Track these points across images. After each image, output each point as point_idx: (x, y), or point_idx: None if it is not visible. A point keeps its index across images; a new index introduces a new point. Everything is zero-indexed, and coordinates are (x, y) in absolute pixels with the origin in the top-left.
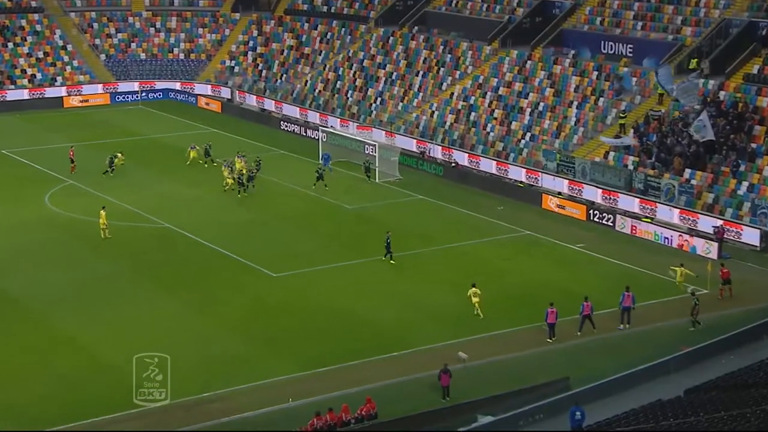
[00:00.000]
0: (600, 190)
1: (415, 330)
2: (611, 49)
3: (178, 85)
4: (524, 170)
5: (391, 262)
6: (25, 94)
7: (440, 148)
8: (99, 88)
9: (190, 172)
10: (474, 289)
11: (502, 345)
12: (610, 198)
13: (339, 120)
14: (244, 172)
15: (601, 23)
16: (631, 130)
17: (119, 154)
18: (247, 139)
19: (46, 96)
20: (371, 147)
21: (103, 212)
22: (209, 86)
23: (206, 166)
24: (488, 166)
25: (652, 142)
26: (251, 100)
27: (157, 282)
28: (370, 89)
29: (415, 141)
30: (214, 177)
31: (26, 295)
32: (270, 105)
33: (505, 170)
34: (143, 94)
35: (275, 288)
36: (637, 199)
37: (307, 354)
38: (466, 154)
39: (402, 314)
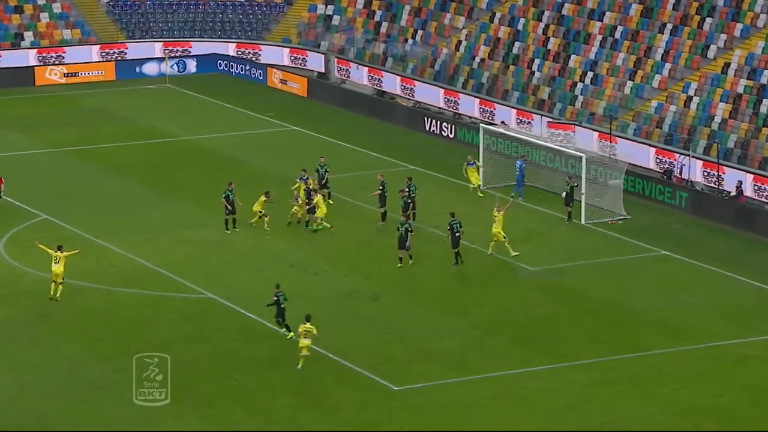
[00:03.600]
0: None
1: None
2: None
3: (232, 49)
4: None
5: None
6: None
7: (703, 163)
8: (96, 52)
9: (250, 206)
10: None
11: None
12: None
13: (516, 111)
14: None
15: None
16: None
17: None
18: (349, 144)
19: (4, 65)
20: (574, 161)
21: (60, 254)
22: (287, 50)
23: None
24: None
25: None
26: (361, 76)
27: (190, 395)
28: (573, 57)
29: (653, 151)
30: (286, 215)
31: None
32: (394, 84)
33: None
34: (172, 63)
35: (396, 410)
36: None
37: None
38: (752, 176)
39: None
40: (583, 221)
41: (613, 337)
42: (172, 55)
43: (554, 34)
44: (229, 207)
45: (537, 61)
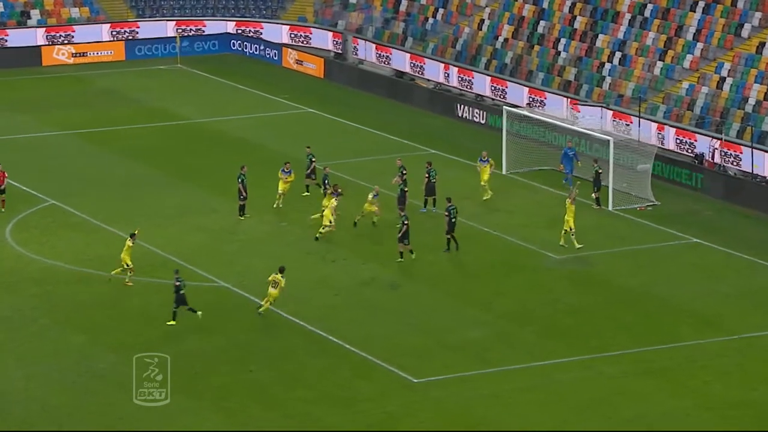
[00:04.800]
0: None
1: None
2: None
3: (246, 29)
4: None
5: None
6: None
7: (733, 148)
8: (106, 31)
9: (265, 191)
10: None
11: None
12: None
13: (541, 93)
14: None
15: None
16: None
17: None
18: (367, 127)
19: (10, 45)
20: (601, 145)
21: (130, 242)
22: (303, 30)
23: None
24: None
25: None
26: (379, 56)
27: (205, 388)
28: (601, 36)
29: (684, 134)
30: (304, 202)
31: None
32: (437, 72)
33: None
34: (184, 43)
35: (415, 403)
36: None
37: None
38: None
39: None
40: (610, 207)
41: (643, 328)
42: (186, 35)
43: (581, 12)
44: (244, 192)
45: (563, 41)
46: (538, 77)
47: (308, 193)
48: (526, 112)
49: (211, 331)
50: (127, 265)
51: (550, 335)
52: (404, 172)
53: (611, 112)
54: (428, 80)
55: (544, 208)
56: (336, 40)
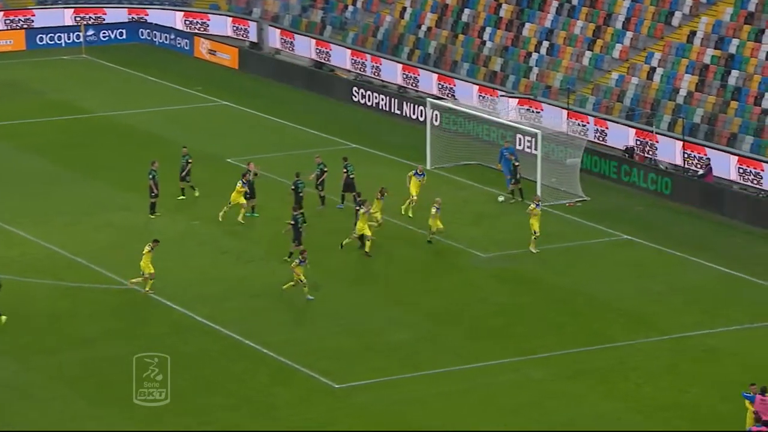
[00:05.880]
0: None
1: None
2: None
3: (156, 16)
4: None
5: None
6: None
7: (674, 142)
8: (4, 19)
9: (173, 188)
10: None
11: None
12: None
13: (468, 84)
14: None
15: None
16: None
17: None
18: (284, 120)
19: None
20: (528, 139)
21: (148, 249)
22: (216, 18)
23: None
24: None
25: None
26: (297, 46)
27: (114, 395)
28: (528, 25)
29: (628, 129)
30: (214, 198)
31: None
32: (335, 56)
33: None
34: (89, 32)
35: (337, 410)
36: None
37: None
38: (728, 156)
39: None
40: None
41: (573, 329)
42: (90, 23)
43: (507, 0)
44: (155, 189)
45: (488, 30)
46: (462, 68)
47: (184, 197)
48: (450, 104)
49: (120, 336)
50: (149, 274)
51: (478, 336)
52: (325, 169)
53: (566, 112)
54: (348, 71)
55: (471, 205)
56: (284, 38)
